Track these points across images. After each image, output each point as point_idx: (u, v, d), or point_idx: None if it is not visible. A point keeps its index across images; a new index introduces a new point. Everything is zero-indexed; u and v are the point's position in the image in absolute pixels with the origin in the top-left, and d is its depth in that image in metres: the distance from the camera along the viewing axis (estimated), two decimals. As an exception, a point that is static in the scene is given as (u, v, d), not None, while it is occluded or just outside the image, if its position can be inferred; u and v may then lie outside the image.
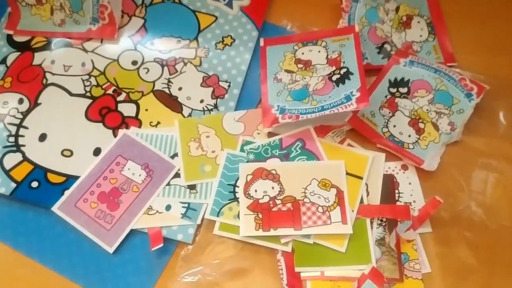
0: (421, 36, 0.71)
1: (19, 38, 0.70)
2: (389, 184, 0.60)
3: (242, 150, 0.62)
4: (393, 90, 0.65)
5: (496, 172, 0.62)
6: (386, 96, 0.65)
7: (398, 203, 0.60)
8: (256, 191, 0.59)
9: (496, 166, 0.62)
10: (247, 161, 0.61)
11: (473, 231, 0.59)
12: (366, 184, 0.60)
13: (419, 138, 0.63)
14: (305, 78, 0.64)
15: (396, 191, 0.60)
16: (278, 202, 0.58)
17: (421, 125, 0.63)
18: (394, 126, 0.63)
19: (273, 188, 0.59)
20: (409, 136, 0.63)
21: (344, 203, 0.58)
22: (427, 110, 0.64)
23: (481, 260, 0.57)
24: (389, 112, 0.64)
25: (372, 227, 0.58)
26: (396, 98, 0.65)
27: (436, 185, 0.61)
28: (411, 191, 0.60)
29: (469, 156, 0.63)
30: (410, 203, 0.60)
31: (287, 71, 0.66)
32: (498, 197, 0.61)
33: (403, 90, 0.65)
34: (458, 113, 0.63)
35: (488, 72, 0.67)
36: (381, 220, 0.58)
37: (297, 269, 0.56)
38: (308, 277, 0.56)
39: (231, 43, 0.70)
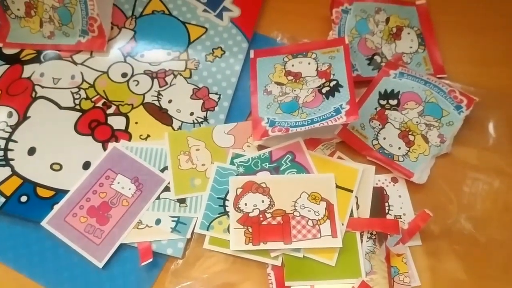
0: (411, 47, 0.71)
1: (8, 51, 0.69)
2: (379, 197, 0.60)
3: (232, 163, 0.62)
4: (383, 102, 0.65)
5: (485, 185, 0.62)
6: (376, 108, 0.65)
7: (388, 216, 0.60)
8: (246, 204, 0.59)
9: (486, 178, 0.62)
10: (237, 174, 0.61)
11: (462, 244, 0.59)
12: (356, 197, 0.60)
13: (409, 151, 0.63)
14: (295, 91, 0.64)
15: (386, 204, 0.60)
16: (268, 215, 0.58)
17: (411, 138, 0.63)
18: (384, 138, 0.63)
19: (263, 201, 0.59)
20: (399, 148, 0.63)
21: (334, 217, 0.58)
22: (417, 122, 0.64)
23: (471, 273, 0.57)
24: (379, 125, 0.64)
25: (362, 241, 0.57)
26: (386, 110, 0.65)
27: (426, 198, 0.61)
28: (401, 204, 0.60)
29: (459, 169, 0.63)
30: (400, 216, 0.60)
31: (277, 83, 0.66)
32: (487, 209, 0.61)
33: (393, 102, 0.65)
34: (448, 126, 0.63)
35: (478, 83, 0.67)
36: (371, 234, 0.58)
37: (287, 283, 0.56)
38: (298, 291, 0.55)
39: (221, 54, 0.70)
